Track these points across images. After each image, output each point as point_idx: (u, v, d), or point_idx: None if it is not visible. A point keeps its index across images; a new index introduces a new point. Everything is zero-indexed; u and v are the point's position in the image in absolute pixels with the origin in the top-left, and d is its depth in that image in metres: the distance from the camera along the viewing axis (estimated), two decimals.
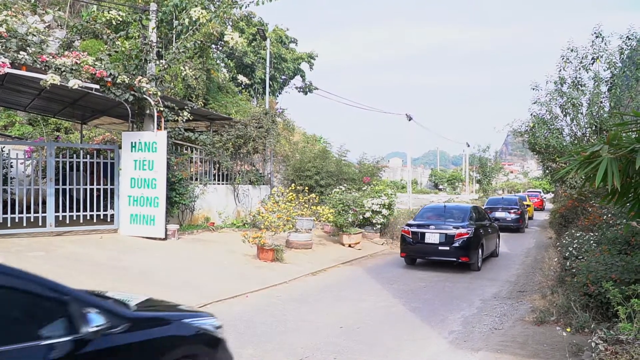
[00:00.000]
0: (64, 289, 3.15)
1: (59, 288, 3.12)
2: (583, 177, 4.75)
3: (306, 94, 32.49)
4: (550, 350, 5.91)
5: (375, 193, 16.86)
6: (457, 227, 11.86)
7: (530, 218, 27.61)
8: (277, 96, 30.90)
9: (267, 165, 19.08)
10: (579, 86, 15.88)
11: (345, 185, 18.25)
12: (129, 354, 3.35)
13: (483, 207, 17.37)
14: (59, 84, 10.18)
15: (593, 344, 4.95)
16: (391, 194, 17.27)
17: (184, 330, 3.87)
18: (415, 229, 12.24)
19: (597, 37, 15.22)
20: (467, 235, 11.70)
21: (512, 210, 21.84)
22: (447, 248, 11.73)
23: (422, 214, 13.53)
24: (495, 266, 12.86)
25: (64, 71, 10.42)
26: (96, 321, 3.07)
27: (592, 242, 8.79)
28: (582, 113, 15.87)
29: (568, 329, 6.37)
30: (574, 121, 16.04)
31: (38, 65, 10.26)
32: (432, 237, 11.96)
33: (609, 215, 10.47)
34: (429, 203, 18.43)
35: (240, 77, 22.47)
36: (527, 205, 27.20)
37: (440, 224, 12.25)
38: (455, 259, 11.83)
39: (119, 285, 8.17)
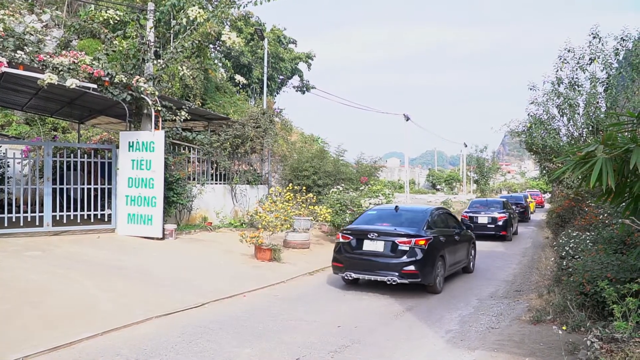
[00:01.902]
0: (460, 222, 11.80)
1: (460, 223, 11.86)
2: (579, 177, 4.78)
3: (304, 93, 32.57)
4: (546, 349, 5.93)
5: (372, 193, 16.89)
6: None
7: (533, 212, 33.12)
8: (275, 96, 30.92)
9: (264, 165, 19.10)
10: (576, 86, 15.93)
11: (342, 185, 18.27)
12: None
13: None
14: (56, 83, 10.17)
15: (589, 343, 4.98)
16: (388, 194, 17.32)
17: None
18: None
19: (594, 37, 15.28)
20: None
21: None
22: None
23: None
24: (492, 266, 12.89)
25: (61, 70, 10.42)
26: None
27: (588, 241, 8.82)
28: (578, 113, 15.92)
29: (564, 328, 6.39)
30: (571, 121, 16.08)
31: (35, 65, 10.26)
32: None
33: (605, 215, 10.52)
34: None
35: (238, 77, 22.47)
36: (529, 202, 31.60)
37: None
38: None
39: (116, 285, 8.18)
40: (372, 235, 9.36)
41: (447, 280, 10.75)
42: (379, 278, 9.17)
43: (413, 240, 9.12)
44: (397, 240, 9.16)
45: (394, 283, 9.01)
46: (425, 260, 9.08)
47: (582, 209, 13.50)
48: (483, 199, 23.61)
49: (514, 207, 23.42)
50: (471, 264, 11.90)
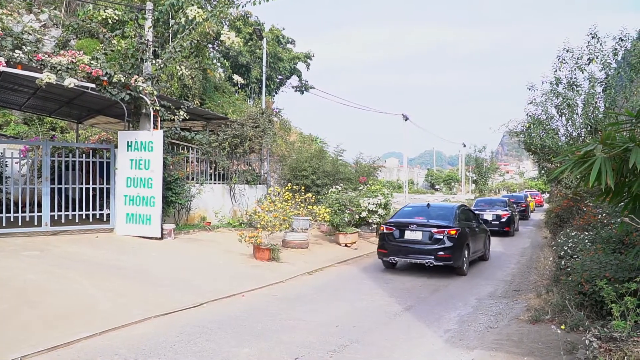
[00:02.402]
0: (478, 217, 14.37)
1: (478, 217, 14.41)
2: (578, 177, 4.78)
3: (303, 93, 32.56)
4: (545, 348, 5.94)
5: (371, 193, 16.88)
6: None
7: (532, 211, 35.23)
8: (274, 96, 30.92)
9: (263, 165, 19.09)
10: (575, 86, 15.94)
11: (341, 185, 18.27)
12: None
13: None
14: (54, 82, 10.16)
15: (587, 342, 4.98)
16: (387, 194, 17.30)
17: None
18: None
19: (592, 37, 15.29)
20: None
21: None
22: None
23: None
24: (490, 266, 12.90)
25: (59, 70, 10.41)
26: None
27: (586, 241, 8.83)
28: (577, 113, 15.93)
29: (563, 327, 6.39)
30: (570, 121, 16.10)
31: (34, 64, 10.24)
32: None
33: (604, 214, 10.54)
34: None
35: (236, 77, 22.47)
36: (530, 201, 33.92)
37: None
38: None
39: (115, 285, 8.17)
40: (412, 226, 11.40)
41: (445, 280, 10.77)
42: (418, 261, 11.19)
43: (446, 230, 11.12)
44: (433, 230, 11.14)
45: (430, 265, 11.06)
46: (455, 247, 11.06)
47: (581, 209, 13.51)
48: (487, 198, 25.77)
49: (514, 205, 24.54)
50: (487, 252, 13.88)
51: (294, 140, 24.22)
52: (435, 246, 10.98)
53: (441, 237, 11.04)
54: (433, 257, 10.91)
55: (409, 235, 11.33)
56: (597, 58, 15.32)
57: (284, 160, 20.98)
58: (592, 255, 7.26)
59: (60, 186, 12.37)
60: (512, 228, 20.82)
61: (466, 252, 11.48)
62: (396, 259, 11.33)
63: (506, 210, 20.94)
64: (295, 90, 32.83)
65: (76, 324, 6.30)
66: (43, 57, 10.43)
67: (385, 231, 11.67)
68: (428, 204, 13.24)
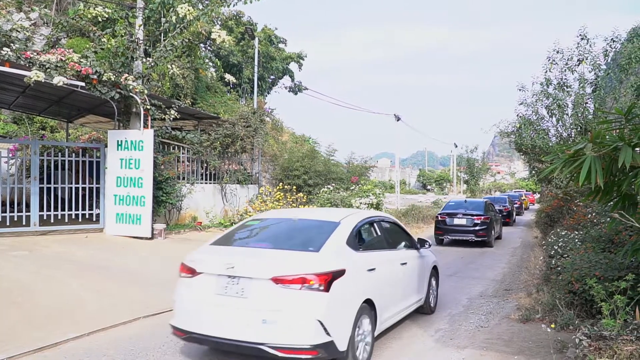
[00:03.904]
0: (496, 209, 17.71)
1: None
2: (568, 176, 4.78)
3: (296, 94, 32.50)
4: (535, 347, 5.95)
5: (363, 193, 16.90)
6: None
7: (527, 208, 38.72)
8: (266, 96, 30.85)
9: (255, 165, 19.04)
10: (565, 87, 16.05)
11: (333, 184, 18.27)
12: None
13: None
14: (43, 81, 10.06)
15: (577, 341, 5.00)
16: (379, 194, 17.34)
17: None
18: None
19: (582, 39, 15.39)
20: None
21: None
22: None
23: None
24: (481, 265, 12.93)
25: (48, 68, 10.31)
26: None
27: (576, 240, 8.88)
28: (567, 114, 16.04)
29: (553, 326, 6.42)
30: (560, 122, 16.20)
31: (22, 62, 10.14)
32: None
33: (593, 214, 10.60)
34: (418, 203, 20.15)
35: (227, 76, 22.39)
36: (523, 200, 37.90)
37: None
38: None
39: (104, 285, 8.09)
40: (459, 215, 16.69)
41: (441, 279, 10.77)
42: (464, 238, 16.49)
43: (482, 217, 16.43)
44: (473, 217, 16.47)
45: (472, 241, 16.43)
46: (488, 228, 16.37)
47: (571, 209, 13.60)
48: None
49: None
50: (501, 233, 19.12)
51: (286, 140, 24.19)
52: (476, 228, 16.30)
53: (479, 222, 16.32)
54: (474, 235, 16.30)
55: (457, 221, 16.57)
56: (586, 59, 15.43)
57: (275, 160, 20.94)
58: (582, 254, 7.29)
59: (49, 186, 12.25)
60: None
61: (492, 232, 16.78)
62: (449, 237, 16.68)
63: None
64: (289, 91, 32.79)
65: (64, 325, 6.23)
66: (31, 55, 10.33)
67: (440, 219, 16.87)
68: (465, 200, 19.58)
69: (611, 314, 5.19)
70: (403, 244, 7.16)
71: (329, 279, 4.76)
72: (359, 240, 5.88)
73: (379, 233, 6.54)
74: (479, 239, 16.18)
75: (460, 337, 6.58)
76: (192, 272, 5.18)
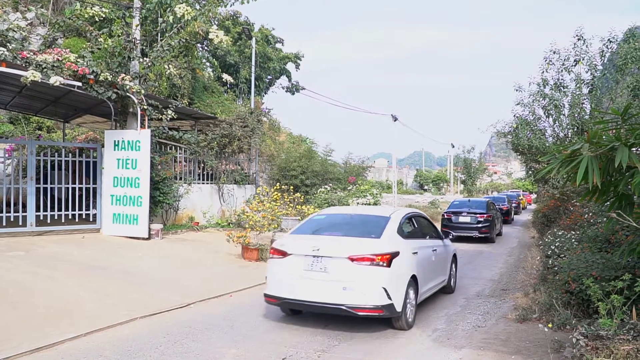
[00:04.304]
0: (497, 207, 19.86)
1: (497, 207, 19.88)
2: (565, 176, 4.79)
3: (293, 94, 32.48)
4: (532, 347, 5.96)
5: (360, 193, 16.91)
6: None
7: (524, 208, 40.50)
8: (263, 96, 30.83)
9: (252, 165, 19.03)
10: (561, 88, 16.10)
11: (330, 184, 18.27)
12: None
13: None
14: (39, 81, 10.03)
15: (574, 340, 5.00)
16: (376, 194, 17.35)
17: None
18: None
19: (579, 39, 15.44)
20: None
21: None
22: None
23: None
24: (478, 265, 12.95)
25: (45, 68, 10.28)
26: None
27: (573, 240, 8.89)
28: (564, 114, 16.09)
29: (550, 326, 6.43)
30: (556, 122, 16.26)
31: (18, 62, 10.12)
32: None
33: (590, 214, 10.62)
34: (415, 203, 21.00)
35: (225, 76, 22.38)
36: (521, 199, 39.76)
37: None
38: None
39: (101, 285, 8.08)
40: (464, 213, 18.09)
41: None
42: (468, 234, 17.52)
43: (485, 215, 17.76)
44: (477, 215, 17.78)
45: (475, 237, 17.55)
46: (490, 225, 17.74)
47: (568, 209, 13.62)
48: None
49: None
50: (501, 231, 20.57)
51: (283, 140, 24.18)
52: (479, 225, 17.63)
53: (482, 219, 17.66)
54: (477, 232, 17.56)
55: (462, 219, 17.98)
56: (583, 59, 15.48)
57: (273, 160, 20.93)
58: (579, 254, 7.31)
59: (46, 186, 12.22)
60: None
61: (494, 229, 18.21)
62: (455, 233, 17.07)
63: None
64: (286, 91, 32.77)
65: (61, 325, 6.22)
66: (28, 55, 10.30)
67: (446, 217, 18.34)
68: (469, 199, 21.24)
69: (608, 313, 5.20)
70: (432, 234, 8.89)
71: (390, 258, 6.52)
72: (404, 230, 7.54)
73: (416, 225, 8.30)
74: (482, 235, 17.52)
75: (458, 337, 6.59)
76: (284, 254, 6.84)
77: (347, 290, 6.34)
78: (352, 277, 6.38)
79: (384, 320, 6.77)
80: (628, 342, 4.62)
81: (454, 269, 9.59)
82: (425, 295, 7.74)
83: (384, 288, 6.35)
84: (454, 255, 9.69)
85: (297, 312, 7.38)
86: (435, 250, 8.37)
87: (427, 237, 8.54)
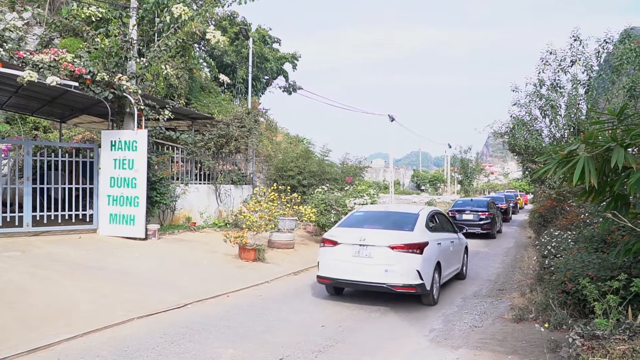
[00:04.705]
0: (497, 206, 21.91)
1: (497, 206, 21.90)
2: (561, 177, 4.81)
3: (290, 94, 32.43)
4: (528, 346, 5.98)
5: (357, 193, 16.90)
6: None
7: (522, 208, 41.67)
8: (260, 96, 30.79)
9: (249, 165, 19.01)
10: (558, 88, 16.15)
11: (327, 185, 18.27)
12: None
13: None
14: (36, 81, 10.00)
15: (570, 340, 5.02)
16: (373, 194, 17.34)
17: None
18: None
19: (575, 40, 15.49)
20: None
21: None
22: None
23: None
24: (475, 266, 12.97)
25: (41, 68, 10.25)
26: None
27: (570, 240, 8.92)
28: (560, 115, 16.14)
29: (546, 326, 6.45)
30: (553, 123, 16.30)
31: (15, 62, 10.09)
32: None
33: (586, 214, 10.66)
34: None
35: (222, 76, 22.34)
36: (518, 199, 40.67)
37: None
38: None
39: (97, 285, 8.06)
40: (467, 211, 19.64)
41: None
42: (472, 231, 17.74)
43: (486, 213, 19.31)
44: (479, 213, 19.34)
45: (478, 233, 18.73)
46: (491, 222, 19.27)
47: (564, 209, 13.67)
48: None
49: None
50: (501, 228, 21.95)
51: (280, 140, 24.18)
52: (481, 222, 19.17)
53: (484, 217, 19.23)
54: (480, 228, 18.99)
55: (465, 216, 19.35)
56: (579, 60, 15.53)
57: (270, 161, 20.92)
58: (575, 254, 7.33)
59: (42, 186, 12.18)
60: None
61: (495, 226, 19.69)
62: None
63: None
64: (283, 91, 32.72)
65: (57, 325, 6.21)
66: (25, 55, 10.27)
67: (450, 215, 19.02)
68: (471, 199, 22.91)
69: (604, 313, 5.22)
70: (449, 228, 10.41)
71: (422, 247, 8.11)
72: (429, 225, 9.03)
73: (437, 221, 9.79)
74: (484, 232, 19.05)
75: (455, 337, 6.60)
76: (335, 243, 8.42)
77: (388, 272, 7.86)
78: (392, 261, 7.89)
79: (382, 321, 6.78)
80: (624, 342, 4.64)
81: (466, 259, 11.27)
82: (445, 278, 9.31)
83: (417, 270, 7.86)
84: (466, 247, 11.36)
85: (338, 292, 9.04)
86: (452, 242, 9.93)
87: (446, 231, 9.98)
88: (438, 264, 8.56)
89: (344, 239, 8.34)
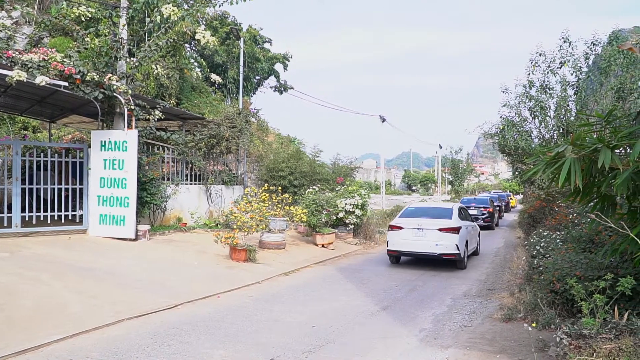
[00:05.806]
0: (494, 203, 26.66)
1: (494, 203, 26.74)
2: (549, 178, 4.87)
3: (281, 93, 32.38)
4: (517, 346, 6.04)
5: (348, 193, 16.93)
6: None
7: (513, 207, 44.89)
8: (251, 96, 30.73)
9: (240, 166, 18.98)
10: (547, 90, 16.28)
11: (318, 185, 18.27)
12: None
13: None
14: (25, 80, 9.93)
15: (558, 339, 5.08)
16: (364, 195, 17.37)
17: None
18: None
19: (564, 42, 15.63)
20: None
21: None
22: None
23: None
24: (466, 265, 13.05)
25: (30, 67, 10.18)
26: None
27: (558, 240, 9.02)
28: (550, 116, 16.28)
29: (534, 325, 6.52)
30: (542, 124, 16.44)
31: (4, 61, 10.01)
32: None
33: (575, 214, 10.77)
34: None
35: (213, 76, 22.29)
36: (510, 199, 44.52)
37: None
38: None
39: (87, 286, 8.02)
40: (472, 207, 23.37)
41: (422, 280, 10.87)
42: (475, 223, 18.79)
43: (488, 209, 23.84)
44: (482, 208, 23.68)
45: (481, 225, 20.05)
46: (492, 216, 23.94)
47: (553, 209, 13.79)
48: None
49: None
50: (498, 222, 27.05)
51: (271, 140, 24.14)
52: (483, 216, 23.43)
53: (486, 212, 23.69)
54: (482, 221, 22.72)
55: (471, 211, 20.51)
56: (568, 62, 15.67)
57: (261, 161, 20.89)
58: (563, 254, 7.42)
59: (31, 186, 12.09)
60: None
61: (494, 219, 24.34)
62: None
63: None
64: (274, 90, 32.67)
65: (46, 327, 6.17)
66: (13, 54, 10.19)
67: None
68: (475, 197, 29.25)
69: (591, 313, 5.29)
70: (469, 218, 14.30)
71: (458, 229, 12.18)
72: (459, 215, 13.00)
73: (463, 213, 13.75)
74: (486, 224, 23.37)
75: (444, 336, 6.65)
76: (400, 227, 12.46)
77: (438, 245, 11.91)
78: (440, 238, 11.95)
79: (373, 321, 6.81)
80: (610, 341, 4.70)
81: (479, 240, 15.23)
82: (468, 253, 13.05)
83: (456, 244, 11.94)
84: (479, 233, 15.37)
85: (398, 261, 13.10)
86: (473, 227, 14.13)
87: (468, 220, 13.90)
88: (466, 242, 12.61)
89: (406, 224, 12.38)
